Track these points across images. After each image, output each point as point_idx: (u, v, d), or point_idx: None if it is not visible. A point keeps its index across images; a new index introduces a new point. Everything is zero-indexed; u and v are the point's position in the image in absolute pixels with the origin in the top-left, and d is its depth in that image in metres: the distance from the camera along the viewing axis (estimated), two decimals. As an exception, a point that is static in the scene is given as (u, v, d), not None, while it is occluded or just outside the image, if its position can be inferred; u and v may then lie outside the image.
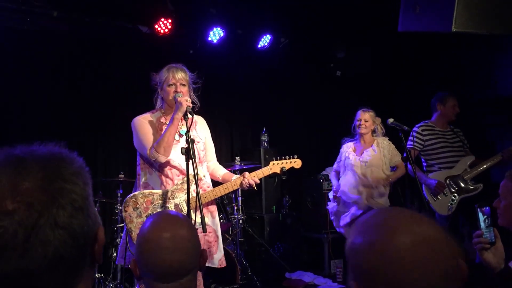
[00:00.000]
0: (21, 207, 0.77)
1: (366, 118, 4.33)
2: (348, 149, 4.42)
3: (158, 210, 2.78)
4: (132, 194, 2.84)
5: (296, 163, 3.14)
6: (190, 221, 1.55)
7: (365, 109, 4.39)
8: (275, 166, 3.07)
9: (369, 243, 0.91)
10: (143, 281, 1.44)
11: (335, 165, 4.57)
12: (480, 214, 1.87)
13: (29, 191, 0.79)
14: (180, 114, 2.75)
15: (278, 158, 3.11)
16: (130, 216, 2.78)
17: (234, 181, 2.97)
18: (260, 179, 4.95)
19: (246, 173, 2.96)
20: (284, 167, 3.07)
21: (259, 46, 5.99)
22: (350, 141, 4.49)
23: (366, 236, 0.93)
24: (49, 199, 0.80)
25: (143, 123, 2.92)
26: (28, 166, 0.82)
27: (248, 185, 2.94)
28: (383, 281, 0.87)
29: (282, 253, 5.43)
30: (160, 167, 2.87)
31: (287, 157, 3.12)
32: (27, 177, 0.80)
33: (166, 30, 5.19)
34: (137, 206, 2.79)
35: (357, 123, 4.36)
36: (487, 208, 1.88)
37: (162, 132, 2.81)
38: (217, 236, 2.98)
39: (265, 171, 3.04)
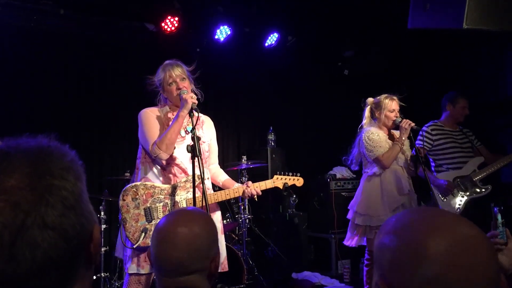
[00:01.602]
0: (6, 207, 0.71)
1: (398, 108, 3.83)
2: (384, 137, 3.82)
3: (157, 204, 2.75)
4: (133, 184, 2.78)
5: (299, 181, 3.21)
6: (209, 221, 1.50)
7: (392, 96, 3.87)
8: (278, 181, 3.13)
9: (402, 243, 0.85)
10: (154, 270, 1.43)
11: (371, 156, 3.80)
12: (499, 215, 1.83)
13: (15, 190, 0.73)
14: (185, 112, 2.71)
15: (282, 173, 3.17)
16: (128, 206, 2.73)
17: (237, 188, 2.95)
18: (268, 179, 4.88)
19: (250, 183, 2.97)
20: (287, 183, 3.14)
21: (266, 44, 5.96)
22: (373, 127, 3.89)
23: (399, 235, 0.86)
24: (36, 198, 0.73)
25: (150, 116, 2.87)
26: (13, 162, 0.75)
27: (250, 195, 2.94)
28: (416, 283, 0.81)
29: (289, 253, 5.39)
30: (162, 164, 2.82)
31: (290, 174, 3.19)
32: (13, 174, 0.74)
33: (173, 28, 5.17)
34: (137, 196, 2.74)
35: (391, 114, 3.82)
36: (501, 207, 1.84)
37: (166, 129, 2.77)
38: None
39: (268, 184, 3.08)
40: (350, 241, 3.94)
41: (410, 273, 0.80)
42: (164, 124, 2.86)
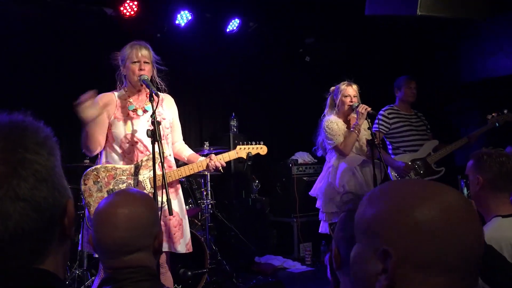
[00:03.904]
0: None
1: (354, 94, 3.92)
2: (343, 126, 3.95)
3: (120, 185, 2.74)
4: (93, 167, 2.78)
5: (262, 149, 3.22)
6: (149, 200, 1.53)
7: (349, 82, 3.97)
8: (241, 151, 3.13)
9: (387, 212, 0.84)
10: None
11: (330, 144, 3.95)
12: (465, 188, 1.91)
13: None
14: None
15: (245, 143, 3.16)
16: (90, 190, 2.73)
17: (200, 162, 2.95)
18: (230, 164, 4.94)
19: (213, 155, 2.96)
20: (250, 153, 3.15)
21: (227, 30, 5.93)
22: (332, 116, 4.01)
23: (383, 204, 0.86)
24: (9, 171, 0.76)
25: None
26: None
27: (214, 167, 2.93)
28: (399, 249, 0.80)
29: (252, 237, 5.46)
30: (122, 144, 2.83)
31: (254, 143, 3.18)
32: None
33: (132, 13, 5.06)
34: (98, 180, 2.74)
35: (345, 99, 3.92)
36: (467, 180, 1.93)
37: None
38: (181, 219, 2.95)
39: (231, 155, 3.08)
40: (323, 228, 4.05)
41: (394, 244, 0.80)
42: (118, 107, 2.87)
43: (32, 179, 0.78)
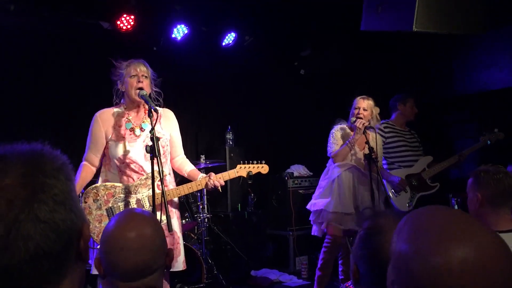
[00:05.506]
0: (1, 202, 0.79)
1: (365, 107, 3.96)
2: (346, 136, 4.03)
3: (119, 204, 2.75)
4: (93, 186, 2.81)
5: (264, 168, 3.16)
6: (156, 219, 1.53)
7: (364, 96, 4.03)
8: (241, 170, 3.09)
9: (417, 252, 0.79)
10: (106, 279, 1.42)
11: (328, 151, 4.10)
12: (456, 206, 1.93)
13: (10, 187, 0.80)
14: None
15: (246, 162, 3.12)
16: (90, 208, 2.74)
17: (199, 181, 2.95)
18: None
19: (212, 174, 2.94)
20: (251, 172, 3.10)
21: (223, 43, 5.95)
22: (344, 125, 4.13)
23: (415, 243, 0.81)
24: (30, 194, 0.81)
25: (95, 126, 2.91)
26: (9, 163, 0.83)
27: (213, 186, 2.91)
28: None
29: (248, 251, 5.43)
30: (118, 164, 2.84)
31: (255, 162, 3.14)
32: (8, 174, 0.82)
33: (129, 27, 5.07)
34: (98, 198, 2.75)
35: (354, 111, 3.97)
36: (458, 199, 1.94)
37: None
38: (178, 237, 2.95)
39: (231, 174, 3.05)
40: (314, 231, 4.25)
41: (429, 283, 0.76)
42: (116, 125, 2.88)
43: (51, 202, 0.83)
